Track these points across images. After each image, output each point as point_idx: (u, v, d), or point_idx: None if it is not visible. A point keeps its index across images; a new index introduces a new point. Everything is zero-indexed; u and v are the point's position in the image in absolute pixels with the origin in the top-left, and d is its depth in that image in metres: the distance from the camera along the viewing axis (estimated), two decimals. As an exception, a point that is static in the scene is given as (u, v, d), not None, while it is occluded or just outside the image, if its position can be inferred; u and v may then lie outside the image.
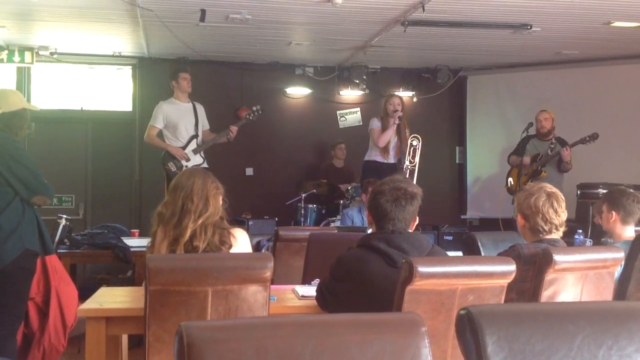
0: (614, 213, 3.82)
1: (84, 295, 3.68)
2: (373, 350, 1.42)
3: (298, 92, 9.09)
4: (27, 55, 7.94)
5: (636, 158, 7.95)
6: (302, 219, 7.73)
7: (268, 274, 2.69)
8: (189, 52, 8.09)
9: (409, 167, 6.97)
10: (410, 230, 2.79)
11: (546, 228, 3.07)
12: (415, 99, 9.20)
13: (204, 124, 6.94)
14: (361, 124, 9.01)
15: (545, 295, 2.87)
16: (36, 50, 7.98)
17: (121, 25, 6.91)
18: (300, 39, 7.58)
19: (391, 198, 2.73)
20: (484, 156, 9.11)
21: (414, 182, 6.01)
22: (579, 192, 7.16)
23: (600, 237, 4.23)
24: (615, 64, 8.18)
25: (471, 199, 9.29)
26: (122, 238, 5.66)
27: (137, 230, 6.43)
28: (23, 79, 8.46)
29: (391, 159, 7.09)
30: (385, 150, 7.07)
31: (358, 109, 9.21)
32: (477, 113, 9.27)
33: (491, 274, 2.55)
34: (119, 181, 8.82)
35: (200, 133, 6.87)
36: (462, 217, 9.29)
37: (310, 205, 7.82)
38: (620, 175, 7.34)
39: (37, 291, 4.02)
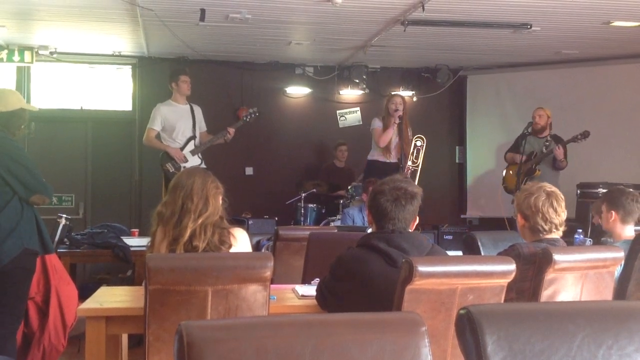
0: (613, 212, 3.82)
1: (84, 294, 3.69)
2: (373, 350, 1.42)
3: (298, 92, 9.10)
4: (27, 54, 7.94)
5: (636, 157, 7.95)
6: (302, 219, 7.73)
7: (268, 273, 2.69)
8: (189, 51, 8.09)
9: (412, 167, 6.97)
10: (410, 230, 2.79)
11: (546, 227, 3.08)
12: (415, 99, 9.20)
13: (201, 125, 6.95)
14: (361, 123, 9.01)
15: (545, 294, 2.87)
16: (36, 50, 7.98)
17: (121, 25, 6.90)
18: (300, 39, 7.58)
19: (391, 198, 2.73)
20: (484, 156, 9.11)
21: (416, 182, 6.03)
22: (578, 191, 7.16)
23: (600, 236, 4.23)
24: (615, 63, 8.18)
25: (471, 198, 9.29)
26: (122, 237, 5.66)
27: (137, 230, 6.43)
28: (23, 79, 8.46)
29: (393, 159, 7.09)
30: (387, 149, 7.07)
31: (358, 108, 9.21)
32: (477, 113, 9.27)
33: (491, 273, 2.55)
34: (119, 181, 8.82)
35: (197, 134, 6.87)
36: (462, 216, 9.30)
37: (310, 205, 7.82)
38: (619, 174, 7.35)
39: (37, 290, 4.02)
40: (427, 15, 6.08)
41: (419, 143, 7.03)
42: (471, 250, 4.21)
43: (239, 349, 1.36)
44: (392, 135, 7.04)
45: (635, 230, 3.81)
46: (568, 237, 3.58)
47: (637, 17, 6.32)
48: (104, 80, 8.91)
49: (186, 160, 6.73)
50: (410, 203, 2.74)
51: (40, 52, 8.03)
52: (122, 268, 5.94)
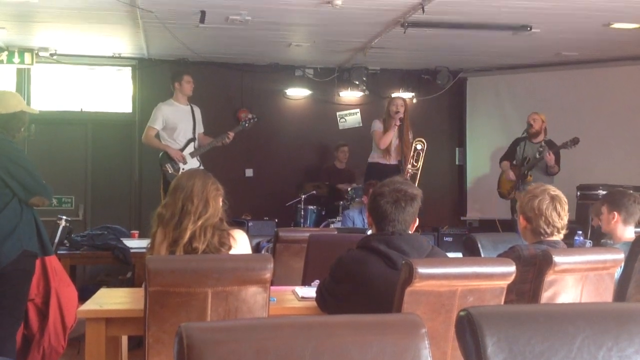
0: (615, 214, 3.82)
1: (84, 296, 3.69)
2: (373, 352, 1.42)
3: (298, 94, 9.10)
4: (27, 56, 7.95)
5: (635, 159, 7.95)
6: (302, 220, 7.74)
7: (268, 275, 2.69)
8: (189, 53, 8.09)
9: (411, 170, 6.97)
10: (410, 232, 2.79)
11: (548, 231, 3.07)
12: (415, 101, 9.20)
13: (200, 127, 6.95)
14: (361, 125, 9.01)
15: (545, 296, 2.86)
16: (36, 52, 7.99)
17: (121, 27, 6.91)
18: (300, 41, 7.59)
19: (391, 199, 2.73)
20: (484, 157, 9.11)
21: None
22: (578, 193, 7.17)
23: (600, 238, 4.23)
24: (614, 65, 8.19)
25: (471, 200, 9.29)
26: (121, 239, 5.67)
27: (137, 232, 6.43)
28: (23, 80, 8.46)
29: (393, 161, 7.09)
30: (387, 151, 7.07)
31: (358, 110, 9.22)
32: (477, 114, 9.28)
33: (491, 275, 2.55)
34: (119, 182, 8.82)
35: (196, 136, 6.87)
36: (462, 218, 9.30)
37: (310, 207, 7.82)
38: (619, 176, 7.35)
39: (37, 292, 4.02)
40: (427, 17, 6.09)
41: (419, 146, 7.03)
42: (471, 252, 4.21)
43: (239, 351, 1.36)
44: (392, 137, 7.05)
45: (636, 232, 3.81)
46: (568, 239, 3.58)
47: (637, 19, 6.33)
48: (104, 82, 8.91)
49: (186, 162, 6.73)
50: (410, 205, 2.74)
51: (41, 53, 8.04)
52: (122, 270, 5.94)
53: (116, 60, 8.60)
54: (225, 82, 8.81)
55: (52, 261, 4.11)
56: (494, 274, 2.55)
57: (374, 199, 2.78)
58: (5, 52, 7.90)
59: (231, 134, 6.91)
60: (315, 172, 8.90)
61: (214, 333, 1.39)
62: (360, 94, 9.07)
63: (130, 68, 8.82)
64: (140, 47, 7.93)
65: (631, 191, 4.01)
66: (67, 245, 5.45)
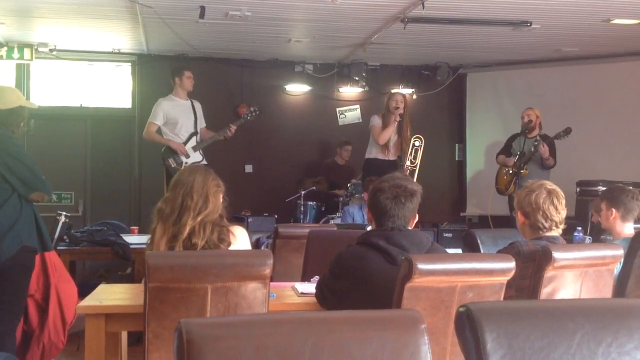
0: (614, 210, 3.82)
1: (84, 292, 3.69)
2: (373, 347, 1.42)
3: (297, 89, 9.09)
4: (27, 51, 7.94)
5: (635, 155, 7.95)
6: (302, 216, 7.74)
7: (267, 271, 2.69)
8: (189, 49, 8.08)
9: (410, 167, 6.97)
10: (409, 228, 2.79)
11: (546, 225, 3.08)
12: (414, 96, 9.19)
13: (202, 121, 6.95)
14: (360, 121, 9.01)
15: (545, 292, 2.87)
16: (35, 47, 7.98)
17: (120, 22, 6.90)
18: (299, 36, 7.58)
19: (391, 195, 2.73)
20: (484, 153, 9.11)
21: (414, 181, 6.01)
22: (578, 189, 7.17)
23: (599, 234, 4.24)
24: (614, 61, 8.18)
25: (470, 196, 9.29)
26: (121, 235, 5.66)
27: (137, 227, 6.43)
28: (22, 76, 8.45)
29: (391, 156, 7.09)
30: (385, 147, 7.06)
31: (358, 106, 9.21)
32: (476, 110, 9.27)
33: (490, 271, 2.55)
34: (119, 178, 8.82)
35: (199, 130, 6.87)
36: (462, 214, 9.30)
37: (309, 203, 7.83)
38: (619, 172, 7.35)
39: (37, 288, 4.02)
40: (427, 13, 6.08)
41: (417, 143, 7.03)
42: (471, 247, 4.21)
43: (238, 347, 1.36)
44: (391, 133, 7.04)
45: (635, 228, 3.81)
46: (567, 235, 3.58)
47: (637, 15, 6.32)
48: (103, 77, 8.90)
49: (188, 156, 6.74)
50: (410, 201, 2.74)
51: (40, 49, 8.03)
52: (122, 265, 5.94)
53: (116, 55, 8.60)
54: (225, 78, 8.80)
55: (52, 257, 4.10)
56: (493, 270, 2.55)
57: (373, 194, 2.78)
58: (5, 48, 7.89)
59: (233, 127, 6.90)
60: (315, 168, 8.90)
61: (214, 329, 1.39)
62: (360, 89, 9.06)
63: (129, 63, 8.81)
64: (139, 42, 7.92)
65: (630, 187, 4.01)
66: (67, 241, 5.44)
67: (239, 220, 7.21)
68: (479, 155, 9.21)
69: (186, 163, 6.56)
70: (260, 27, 7.03)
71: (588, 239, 4.56)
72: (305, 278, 3.74)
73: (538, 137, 7.17)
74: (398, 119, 6.96)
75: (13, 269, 3.66)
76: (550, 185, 3.14)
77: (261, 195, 8.64)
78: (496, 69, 9.04)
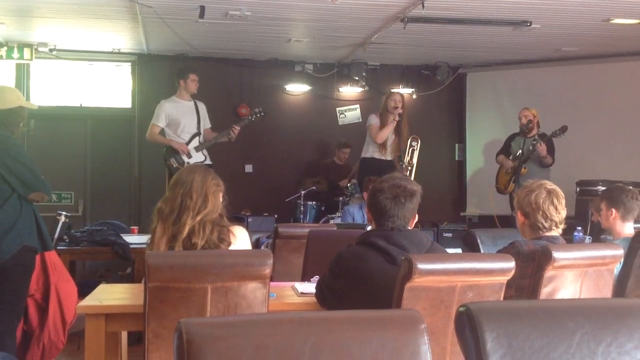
0: (614, 210, 3.82)
1: (84, 292, 3.69)
2: (372, 347, 1.42)
3: (297, 89, 9.09)
4: (26, 51, 7.94)
5: (635, 155, 7.95)
6: (302, 216, 7.74)
7: (267, 270, 2.69)
8: (189, 48, 8.08)
9: (407, 167, 6.97)
10: (409, 228, 2.79)
11: (546, 225, 3.08)
12: (414, 96, 9.19)
13: (206, 122, 6.95)
14: (360, 120, 9.01)
15: (545, 292, 2.87)
16: (35, 47, 7.98)
17: (120, 22, 6.90)
18: (299, 36, 7.58)
19: (390, 195, 2.73)
20: (483, 153, 9.11)
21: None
22: (578, 189, 7.17)
23: (599, 234, 4.23)
24: (614, 61, 8.19)
25: (470, 196, 9.29)
26: (121, 235, 5.66)
27: (137, 227, 6.44)
28: (22, 76, 8.45)
29: (388, 156, 7.09)
30: (383, 146, 7.06)
31: (357, 105, 9.21)
32: (476, 110, 9.27)
33: (490, 271, 2.55)
34: (118, 178, 8.82)
35: (202, 131, 6.87)
36: (462, 214, 9.30)
37: (309, 202, 7.83)
38: (619, 172, 7.35)
39: (37, 288, 4.02)
40: (426, 13, 6.08)
41: (414, 143, 7.04)
42: (471, 247, 4.21)
43: (238, 346, 1.36)
44: (390, 131, 7.04)
45: (635, 228, 3.80)
46: (567, 235, 3.58)
47: (637, 15, 6.32)
48: (103, 77, 8.90)
49: (190, 156, 6.74)
50: (410, 201, 2.74)
51: (40, 49, 8.03)
52: (122, 265, 5.94)
53: (115, 55, 8.60)
54: (225, 78, 8.80)
55: (52, 257, 4.11)
56: (493, 270, 2.55)
57: (373, 194, 2.78)
58: (5, 48, 7.89)
59: (237, 128, 6.88)
60: (314, 168, 8.90)
61: (214, 329, 1.39)
62: (360, 89, 9.07)
63: (129, 63, 8.81)
64: (139, 42, 7.92)
65: (630, 187, 4.01)
66: (67, 240, 5.44)
67: (239, 220, 7.20)
68: (478, 154, 9.21)
69: (188, 163, 6.56)
70: (260, 27, 7.03)
71: (588, 238, 4.57)
72: (305, 278, 3.74)
73: (536, 136, 7.18)
74: (397, 118, 6.96)
75: (13, 268, 3.66)
76: (550, 185, 3.13)
77: (261, 195, 8.64)
78: (496, 68, 9.04)
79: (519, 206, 3.17)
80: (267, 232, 5.40)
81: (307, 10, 6.36)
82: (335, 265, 2.79)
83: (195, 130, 6.83)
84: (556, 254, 2.82)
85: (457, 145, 9.53)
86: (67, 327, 4.16)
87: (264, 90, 8.91)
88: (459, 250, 4.67)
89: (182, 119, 6.78)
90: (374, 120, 7.17)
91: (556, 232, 3.12)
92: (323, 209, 7.92)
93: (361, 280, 2.67)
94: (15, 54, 7.92)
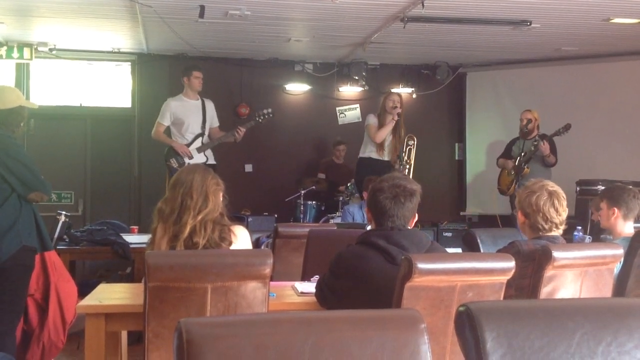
0: (615, 210, 3.81)
1: (84, 291, 3.69)
2: (372, 347, 1.42)
3: (297, 89, 9.09)
4: (26, 51, 7.93)
5: (635, 155, 7.95)
6: (302, 216, 7.74)
7: (267, 270, 2.69)
8: (188, 48, 8.08)
9: (405, 165, 6.97)
10: (409, 227, 2.79)
11: (546, 226, 3.08)
12: (414, 96, 9.19)
13: (213, 121, 6.93)
14: (360, 120, 9.00)
15: (545, 291, 2.87)
16: (35, 47, 7.97)
17: (120, 22, 6.90)
18: (299, 36, 7.57)
19: (390, 195, 2.73)
20: (483, 153, 9.11)
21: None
22: (578, 188, 7.17)
23: (599, 233, 4.23)
24: (614, 60, 8.18)
25: (470, 195, 9.29)
26: (121, 234, 5.66)
27: (137, 227, 6.43)
28: (22, 75, 8.45)
29: (386, 156, 7.09)
30: (380, 147, 7.07)
31: (357, 105, 9.21)
32: (476, 109, 9.27)
33: (490, 270, 2.55)
34: (118, 177, 8.82)
35: (206, 131, 6.86)
36: (462, 213, 9.29)
37: (309, 202, 7.83)
38: (619, 171, 7.35)
39: (37, 287, 4.02)
40: (426, 12, 6.08)
41: (410, 142, 7.05)
42: (471, 247, 4.21)
43: (238, 346, 1.36)
44: (388, 131, 7.05)
45: (635, 228, 3.80)
46: (567, 235, 3.58)
47: (637, 14, 6.32)
48: (103, 77, 8.90)
49: (192, 157, 6.73)
50: (410, 200, 2.74)
51: (40, 48, 8.03)
52: (122, 265, 5.94)
53: (115, 55, 8.59)
54: (225, 77, 8.79)
55: (52, 256, 4.11)
56: (493, 270, 2.55)
57: (373, 194, 2.78)
58: (5, 47, 7.89)
59: (242, 130, 6.86)
60: (314, 167, 8.90)
61: (214, 328, 1.39)
62: (360, 89, 9.06)
63: (129, 63, 8.81)
64: (139, 42, 7.91)
65: (630, 186, 4.01)
66: (67, 240, 5.44)
67: (239, 219, 7.20)
68: (478, 154, 9.21)
69: (188, 164, 6.55)
70: (260, 27, 7.02)
71: (588, 238, 4.56)
72: (305, 277, 3.74)
73: (537, 137, 7.19)
74: (396, 118, 6.96)
75: (13, 268, 3.66)
76: (552, 186, 3.13)
77: (261, 194, 8.64)
78: (496, 68, 9.04)
79: (519, 206, 3.16)
80: (267, 232, 5.40)
81: (306, 10, 6.36)
82: (335, 265, 2.79)
83: (199, 131, 6.82)
84: (556, 254, 2.82)
85: (457, 144, 9.52)
86: (67, 326, 4.16)
87: (263, 89, 8.90)
88: (459, 250, 4.67)
89: (187, 118, 6.78)
90: (372, 120, 7.17)
91: (556, 232, 3.12)
92: (323, 209, 7.92)
93: (361, 279, 2.67)
94: (15, 54, 7.92)
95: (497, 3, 6.04)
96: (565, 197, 3.13)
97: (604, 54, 8.11)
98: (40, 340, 4.04)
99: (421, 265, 2.38)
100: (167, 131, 6.86)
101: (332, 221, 6.87)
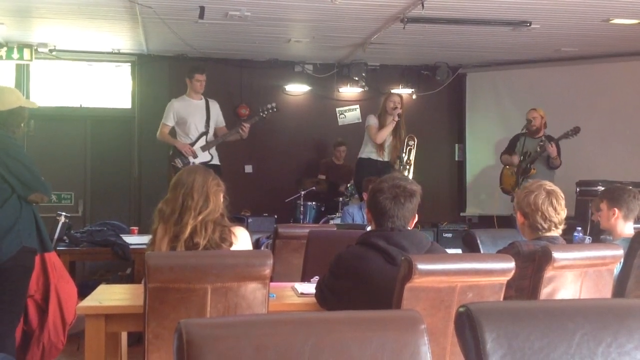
0: (616, 210, 3.80)
1: (84, 292, 3.69)
2: (372, 348, 1.42)
3: (297, 90, 9.09)
4: (26, 52, 7.94)
5: (635, 155, 7.95)
6: (302, 217, 7.74)
7: (267, 271, 2.69)
8: (188, 49, 8.08)
9: (405, 165, 6.97)
10: (409, 228, 2.79)
11: (545, 226, 3.08)
12: (414, 96, 9.20)
13: (218, 120, 6.95)
14: (360, 121, 9.00)
15: (545, 292, 2.87)
16: (35, 47, 7.98)
17: (120, 22, 6.90)
18: (299, 36, 7.58)
19: (390, 196, 2.73)
20: (483, 153, 9.12)
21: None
22: (578, 189, 7.17)
23: (599, 234, 4.23)
24: (614, 61, 8.19)
25: (470, 196, 9.29)
26: (121, 235, 5.66)
27: (137, 228, 6.42)
28: (22, 76, 8.45)
29: (386, 157, 7.09)
30: (381, 147, 7.07)
31: (357, 106, 9.21)
32: (476, 110, 9.27)
33: (490, 271, 2.55)
34: (118, 178, 8.82)
35: (211, 130, 6.87)
36: (462, 214, 9.30)
37: (309, 203, 7.82)
38: (619, 172, 7.35)
39: (37, 288, 4.02)
40: (426, 13, 6.08)
41: (410, 142, 7.05)
42: (470, 248, 4.21)
43: (238, 347, 1.36)
44: (389, 132, 7.05)
45: (635, 228, 3.80)
46: (567, 235, 3.58)
47: (637, 15, 6.32)
48: (103, 77, 8.90)
49: (196, 156, 6.75)
50: (410, 201, 2.74)
51: (40, 49, 8.03)
52: (122, 266, 5.94)
53: (115, 56, 8.59)
54: (225, 78, 8.79)
55: (52, 257, 4.10)
56: (493, 270, 2.55)
57: (373, 195, 2.78)
58: (5, 48, 7.89)
59: (246, 126, 6.87)
60: (314, 168, 8.90)
61: (214, 329, 1.39)
62: (360, 89, 9.07)
63: (129, 64, 8.81)
64: (139, 43, 7.92)
65: (630, 187, 4.01)
66: (67, 241, 5.44)
67: (239, 220, 7.20)
68: (478, 155, 9.21)
69: (193, 163, 6.56)
70: (260, 27, 7.03)
71: (588, 239, 4.56)
72: (305, 278, 3.74)
73: (543, 138, 7.19)
74: (397, 119, 6.96)
75: (13, 269, 3.66)
76: (549, 186, 3.13)
77: (261, 195, 8.64)
78: (496, 68, 9.04)
79: (518, 207, 3.17)
80: (267, 233, 5.41)
81: (306, 11, 6.36)
82: (335, 266, 2.79)
83: (203, 129, 6.84)
84: (556, 255, 2.82)
85: (457, 145, 9.52)
86: (67, 327, 4.16)
87: (263, 90, 8.90)
88: (459, 251, 4.67)
89: (190, 118, 6.80)
90: (373, 120, 7.17)
91: (556, 232, 3.12)
92: (323, 210, 7.92)
93: (361, 280, 2.67)
94: (15, 55, 7.92)
95: (496, 4, 6.04)
96: (563, 196, 3.14)
97: (604, 54, 8.11)
98: (40, 341, 4.04)
99: (421, 266, 2.38)
100: (173, 132, 6.88)
101: (332, 222, 6.87)
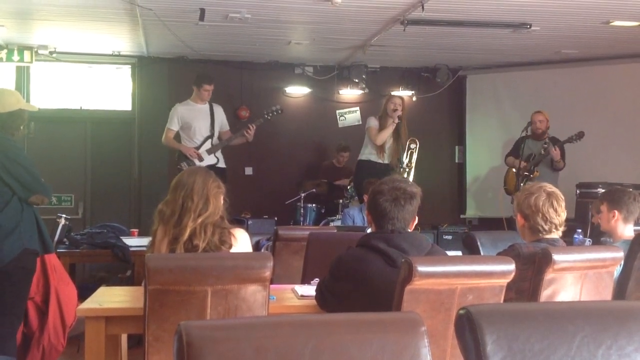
0: (616, 212, 3.80)
1: (84, 294, 3.69)
2: (372, 350, 1.42)
3: (297, 92, 9.09)
4: (27, 54, 7.94)
5: (636, 157, 7.95)
6: (302, 219, 7.73)
7: (267, 273, 2.69)
8: (188, 51, 8.09)
9: (405, 168, 6.97)
10: (409, 230, 2.79)
11: (546, 227, 3.08)
12: (414, 98, 9.20)
13: (223, 124, 6.97)
14: (360, 123, 9.01)
15: (545, 294, 2.87)
16: (35, 50, 7.98)
17: (120, 24, 6.90)
18: (299, 38, 7.58)
19: (390, 198, 2.73)
20: (483, 155, 9.12)
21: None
22: (578, 191, 7.18)
23: (599, 236, 4.23)
24: (614, 63, 8.19)
25: (470, 198, 9.29)
26: (121, 237, 5.66)
27: (137, 230, 6.42)
28: (22, 78, 8.46)
29: (386, 159, 7.09)
30: (381, 149, 7.06)
31: (357, 108, 9.21)
32: (476, 112, 9.28)
33: (490, 273, 2.55)
34: (118, 180, 8.82)
35: (216, 133, 6.89)
36: (462, 216, 9.29)
37: (309, 205, 7.82)
38: (619, 174, 7.36)
39: (37, 290, 4.02)
40: (426, 15, 6.09)
41: (412, 146, 7.05)
42: (471, 250, 4.21)
43: (238, 349, 1.36)
44: (389, 134, 7.05)
45: (635, 230, 3.80)
46: (567, 237, 3.58)
47: (637, 17, 6.33)
48: (103, 80, 8.90)
49: (202, 159, 6.76)
50: (410, 203, 2.74)
51: (40, 51, 8.04)
52: (122, 268, 5.93)
53: (115, 58, 8.60)
54: (225, 80, 8.78)
55: (52, 259, 4.11)
56: (493, 272, 2.55)
57: (373, 197, 2.78)
58: (5, 50, 7.89)
59: (252, 127, 6.87)
60: (314, 170, 8.90)
61: (214, 331, 1.39)
62: (360, 92, 9.07)
63: (129, 66, 8.81)
64: (139, 45, 7.92)
65: (630, 189, 4.00)
66: (67, 243, 5.44)
67: (238, 222, 7.20)
68: (479, 157, 9.21)
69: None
70: (260, 30, 7.03)
71: (588, 241, 4.56)
72: (305, 280, 3.74)
73: (547, 140, 7.20)
74: (397, 121, 6.96)
75: (15, 271, 3.66)
76: (549, 187, 3.14)
77: (261, 197, 8.64)
78: (496, 71, 9.04)
79: (518, 209, 3.17)
80: (267, 235, 5.40)
81: (307, 13, 6.37)
82: (335, 268, 2.79)
83: (208, 133, 6.86)
84: (556, 257, 2.82)
85: (457, 147, 9.53)
86: (67, 329, 4.16)
87: (264, 92, 8.91)
88: (459, 253, 4.67)
89: (194, 122, 6.82)
90: (373, 122, 7.17)
91: (556, 234, 3.12)
92: (323, 212, 7.91)
93: (361, 282, 2.67)
94: (16, 57, 7.93)
95: (497, 6, 6.04)
96: (563, 198, 3.14)
97: (604, 56, 8.12)
98: (40, 343, 4.04)
99: (421, 268, 2.38)
100: (177, 137, 6.90)
101: (332, 224, 6.87)
